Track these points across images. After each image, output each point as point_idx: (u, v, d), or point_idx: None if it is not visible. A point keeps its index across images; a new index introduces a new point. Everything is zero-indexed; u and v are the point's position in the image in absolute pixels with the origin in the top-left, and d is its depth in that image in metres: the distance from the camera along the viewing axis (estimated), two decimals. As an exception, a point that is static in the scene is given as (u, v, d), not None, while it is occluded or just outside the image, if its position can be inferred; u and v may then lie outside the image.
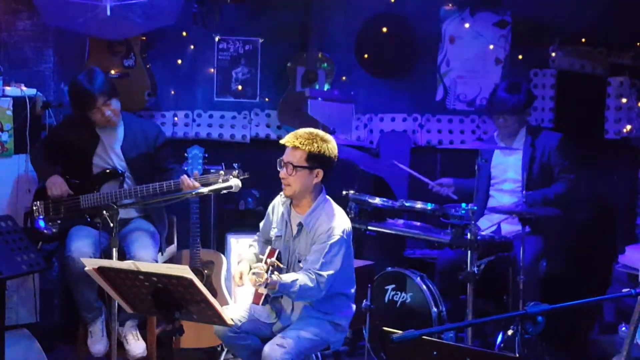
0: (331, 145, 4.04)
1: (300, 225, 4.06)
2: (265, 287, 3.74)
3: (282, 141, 4.07)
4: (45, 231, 4.80)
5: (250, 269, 3.95)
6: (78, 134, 4.94)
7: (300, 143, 3.97)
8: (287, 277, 3.86)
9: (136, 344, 4.77)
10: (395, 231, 5.16)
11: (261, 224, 4.35)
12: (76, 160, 4.92)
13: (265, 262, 3.78)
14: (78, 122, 4.97)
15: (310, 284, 3.87)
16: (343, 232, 3.99)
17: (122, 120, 4.98)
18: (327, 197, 4.14)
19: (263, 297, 3.91)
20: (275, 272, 3.76)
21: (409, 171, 5.66)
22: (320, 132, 4.06)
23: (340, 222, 4.02)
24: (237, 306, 4.26)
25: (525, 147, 5.35)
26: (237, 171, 4.57)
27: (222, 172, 4.60)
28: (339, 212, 4.09)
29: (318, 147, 3.98)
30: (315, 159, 3.99)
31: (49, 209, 4.83)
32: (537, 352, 4.86)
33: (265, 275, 3.69)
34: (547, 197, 5.16)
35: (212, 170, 4.76)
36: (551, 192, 5.23)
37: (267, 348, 3.90)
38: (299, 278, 3.87)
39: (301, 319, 4.07)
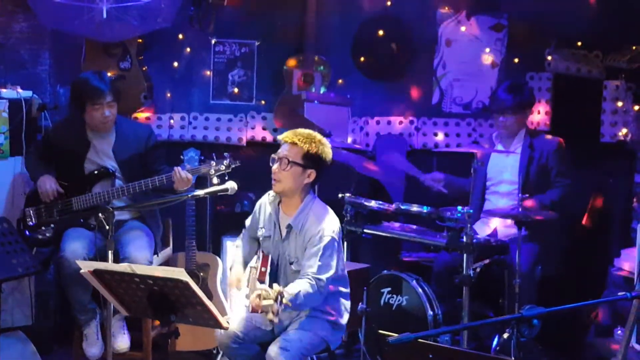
0: (327, 150, 4.07)
1: (289, 227, 4.07)
2: (276, 316, 3.63)
3: (280, 137, 4.09)
4: (39, 237, 4.80)
5: (248, 286, 3.99)
6: (69, 139, 4.90)
7: (299, 140, 4.00)
8: (290, 295, 3.76)
9: (122, 338, 4.76)
10: (391, 234, 5.17)
11: (247, 221, 4.34)
12: (68, 165, 4.90)
13: (272, 288, 3.64)
14: (69, 127, 4.95)
15: (312, 290, 3.87)
16: (333, 232, 4.01)
17: (114, 124, 4.97)
18: (315, 196, 4.16)
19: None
20: (284, 297, 3.65)
21: (402, 165, 5.66)
22: (318, 135, 4.09)
23: (330, 222, 4.04)
24: (236, 316, 4.19)
25: (524, 149, 5.36)
26: (227, 160, 4.57)
27: (213, 162, 4.60)
28: (327, 211, 4.11)
29: (316, 147, 4.01)
30: (311, 159, 4.01)
31: (41, 214, 4.81)
32: (533, 355, 4.86)
33: (276, 306, 3.60)
34: (543, 205, 5.16)
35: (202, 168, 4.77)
36: (547, 199, 5.22)
37: (271, 351, 3.90)
38: (301, 288, 3.85)
39: (301, 319, 4.07)
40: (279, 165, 4.02)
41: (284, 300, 3.63)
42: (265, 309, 3.61)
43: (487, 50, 6.16)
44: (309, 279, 3.89)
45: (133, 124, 5.17)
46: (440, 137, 6.24)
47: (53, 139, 4.99)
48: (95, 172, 4.87)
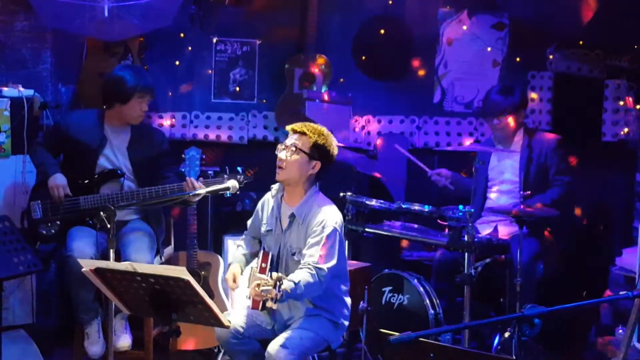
0: (334, 144, 4.14)
1: (292, 216, 4.08)
2: (275, 303, 3.67)
3: (289, 127, 4.13)
4: (43, 232, 4.79)
5: (245, 279, 4.00)
6: (87, 133, 4.90)
7: (308, 130, 4.07)
8: (289, 282, 3.78)
9: (123, 337, 4.76)
10: (392, 233, 5.17)
11: (249, 222, 4.36)
12: (81, 159, 4.89)
13: (271, 277, 3.69)
14: (86, 121, 4.95)
15: (312, 280, 3.86)
16: (336, 223, 4.02)
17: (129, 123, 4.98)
18: (318, 190, 4.17)
19: (261, 303, 3.90)
20: (283, 283, 3.68)
21: (409, 156, 5.65)
22: (326, 129, 4.14)
23: (333, 213, 4.05)
24: (237, 312, 4.23)
25: (523, 148, 5.36)
26: (241, 176, 4.58)
27: (225, 175, 4.61)
28: (330, 204, 4.12)
29: (324, 139, 4.08)
30: (318, 150, 4.06)
31: (47, 210, 4.80)
32: (533, 354, 4.86)
33: (274, 292, 3.63)
34: (544, 205, 5.15)
35: (209, 172, 4.78)
36: (547, 198, 5.22)
37: (271, 349, 3.89)
38: (301, 278, 3.84)
39: (302, 318, 4.07)
40: (285, 153, 4.04)
41: (283, 286, 3.64)
42: (264, 294, 3.62)
43: (489, 49, 6.15)
44: (309, 268, 3.89)
45: (148, 127, 5.19)
46: (441, 136, 6.24)
47: (67, 131, 4.94)
48: (106, 171, 4.87)
